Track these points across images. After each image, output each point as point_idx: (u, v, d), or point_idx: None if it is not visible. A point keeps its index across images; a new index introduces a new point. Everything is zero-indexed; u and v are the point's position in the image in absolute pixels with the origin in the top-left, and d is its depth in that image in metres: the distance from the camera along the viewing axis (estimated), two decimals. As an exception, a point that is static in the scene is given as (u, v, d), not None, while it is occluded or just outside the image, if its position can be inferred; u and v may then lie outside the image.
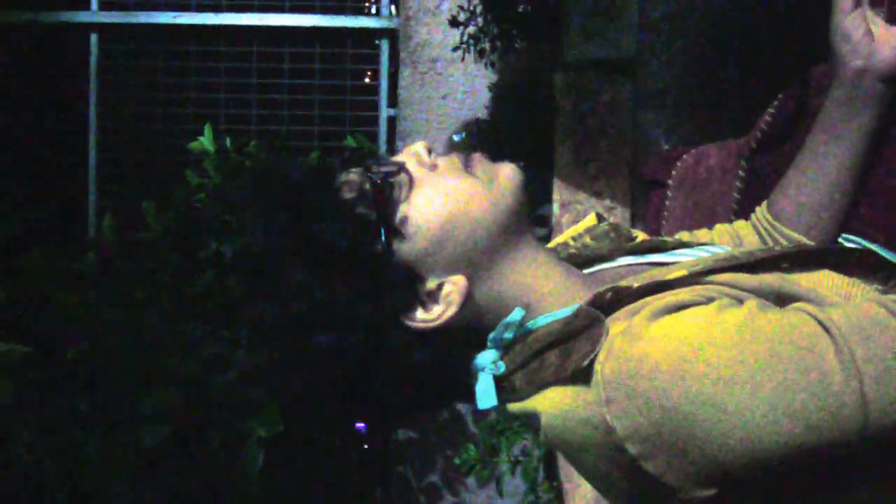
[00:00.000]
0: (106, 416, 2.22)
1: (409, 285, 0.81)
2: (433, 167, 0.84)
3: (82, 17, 3.40)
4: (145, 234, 2.50)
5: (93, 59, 3.42)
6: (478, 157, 0.85)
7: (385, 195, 0.81)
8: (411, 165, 0.84)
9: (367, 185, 0.81)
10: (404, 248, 0.81)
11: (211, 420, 2.23)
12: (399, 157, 0.85)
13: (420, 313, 0.81)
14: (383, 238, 0.80)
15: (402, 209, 0.81)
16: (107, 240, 2.47)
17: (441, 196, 0.81)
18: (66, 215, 3.39)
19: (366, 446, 3.15)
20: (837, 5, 0.98)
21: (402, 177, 0.82)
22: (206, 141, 2.66)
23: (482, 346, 0.83)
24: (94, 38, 3.42)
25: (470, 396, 0.84)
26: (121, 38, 3.44)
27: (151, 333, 2.28)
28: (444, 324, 0.81)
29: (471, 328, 0.83)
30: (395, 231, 0.80)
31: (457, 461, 2.90)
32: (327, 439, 2.84)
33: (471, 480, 3.13)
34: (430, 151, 0.85)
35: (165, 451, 2.20)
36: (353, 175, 0.83)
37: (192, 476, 2.24)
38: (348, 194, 0.81)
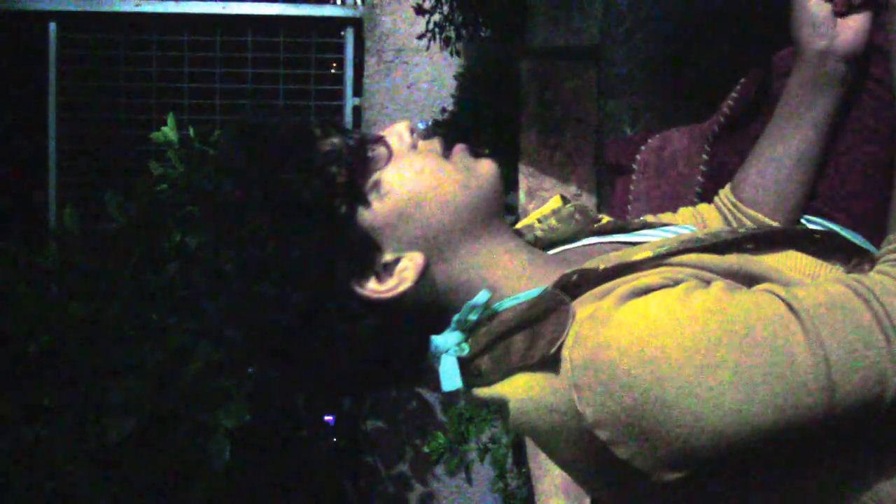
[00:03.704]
0: (70, 410, 2.20)
1: (366, 253, 0.81)
2: (413, 146, 0.85)
3: (41, 4, 3.34)
4: (108, 226, 2.47)
5: (52, 48, 3.36)
6: (460, 147, 0.86)
7: (360, 159, 0.81)
8: (392, 141, 0.85)
9: (344, 148, 0.82)
10: (367, 216, 0.81)
11: (177, 412, 2.21)
12: (381, 133, 0.86)
13: (372, 283, 0.80)
14: (348, 200, 0.80)
15: (375, 177, 0.82)
16: (68, 232, 2.44)
17: (415, 173, 0.82)
18: (27, 207, 3.34)
19: (334, 438, 3.14)
20: None
21: (382, 149, 0.83)
22: (169, 131, 2.63)
23: (443, 329, 0.83)
24: (53, 26, 3.36)
25: (418, 380, 0.84)
26: (81, 26, 3.38)
27: (115, 326, 2.26)
28: (394, 297, 0.80)
29: (430, 308, 0.83)
30: (362, 196, 0.81)
31: (426, 450, 2.91)
32: (296, 431, 2.83)
33: (440, 469, 3.13)
34: (412, 132, 0.86)
35: (131, 445, 2.17)
36: (334, 138, 0.83)
37: (158, 469, 2.22)
38: (324, 151, 0.82)
